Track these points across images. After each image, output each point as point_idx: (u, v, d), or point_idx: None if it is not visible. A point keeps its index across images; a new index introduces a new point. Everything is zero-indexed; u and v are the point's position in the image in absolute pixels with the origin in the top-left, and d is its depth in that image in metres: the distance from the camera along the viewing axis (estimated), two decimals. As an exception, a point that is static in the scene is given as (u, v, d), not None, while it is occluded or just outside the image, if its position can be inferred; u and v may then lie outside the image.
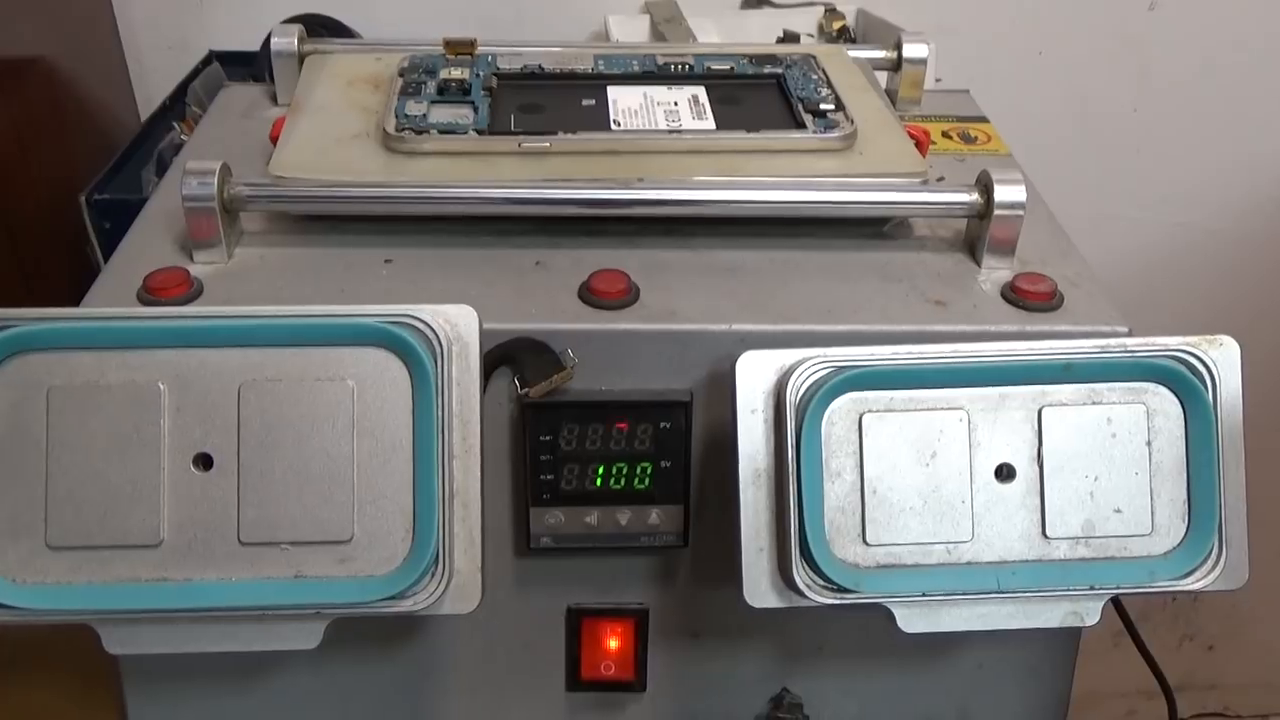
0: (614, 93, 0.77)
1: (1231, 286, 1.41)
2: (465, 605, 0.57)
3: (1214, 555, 0.59)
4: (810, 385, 0.57)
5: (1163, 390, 0.59)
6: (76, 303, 0.63)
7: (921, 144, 0.76)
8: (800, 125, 0.73)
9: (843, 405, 0.58)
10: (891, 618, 0.59)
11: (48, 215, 1.01)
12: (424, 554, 0.56)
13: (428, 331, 0.56)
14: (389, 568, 0.56)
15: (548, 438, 0.63)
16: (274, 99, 0.86)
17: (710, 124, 0.74)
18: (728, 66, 0.81)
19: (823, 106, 0.75)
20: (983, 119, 0.88)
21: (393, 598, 0.56)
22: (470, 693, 0.71)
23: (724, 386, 0.59)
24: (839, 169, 0.71)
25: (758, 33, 1.15)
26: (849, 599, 0.57)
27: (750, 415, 0.58)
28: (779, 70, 0.81)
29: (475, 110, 0.73)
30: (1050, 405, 0.58)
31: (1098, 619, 0.60)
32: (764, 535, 0.58)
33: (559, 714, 0.73)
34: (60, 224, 0.98)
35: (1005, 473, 0.59)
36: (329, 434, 0.56)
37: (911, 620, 0.59)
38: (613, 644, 0.70)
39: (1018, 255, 0.68)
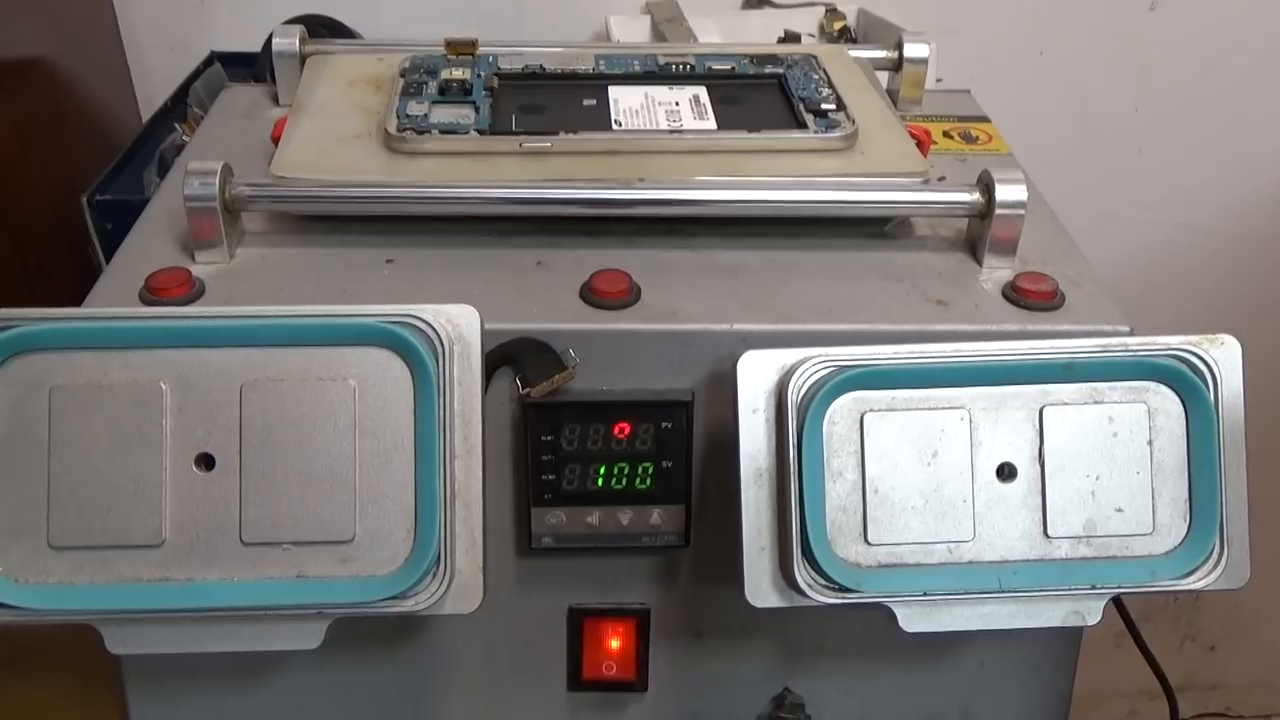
0: (615, 93, 0.77)
1: (1232, 286, 1.41)
2: (467, 605, 0.57)
3: (1215, 554, 0.59)
4: (812, 385, 0.57)
5: (1164, 389, 0.59)
6: (78, 303, 0.63)
7: (923, 144, 0.76)
8: (801, 125, 0.73)
9: (844, 405, 0.58)
10: (893, 617, 0.59)
11: (50, 216, 1.01)
12: (426, 554, 0.56)
13: (429, 331, 0.56)
14: (391, 568, 0.56)
15: (549, 437, 0.64)
16: (275, 99, 0.86)
17: (711, 124, 0.74)
18: (729, 66, 0.81)
19: (824, 106, 0.75)
20: (984, 119, 0.88)
21: (394, 598, 0.56)
22: (472, 693, 0.71)
23: (725, 386, 0.59)
24: (840, 169, 0.71)
25: (759, 33, 1.15)
26: (850, 598, 0.57)
27: (752, 415, 0.58)
28: (780, 70, 0.81)
29: (476, 110, 0.74)
30: (1052, 404, 0.58)
31: (1099, 618, 0.60)
32: (765, 535, 0.58)
33: (560, 714, 0.73)
34: (62, 224, 0.98)
35: (1007, 472, 0.59)
36: (331, 434, 0.56)
37: (913, 620, 0.59)
38: (614, 644, 0.70)
39: (1019, 255, 0.68)
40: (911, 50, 0.87)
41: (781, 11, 1.20)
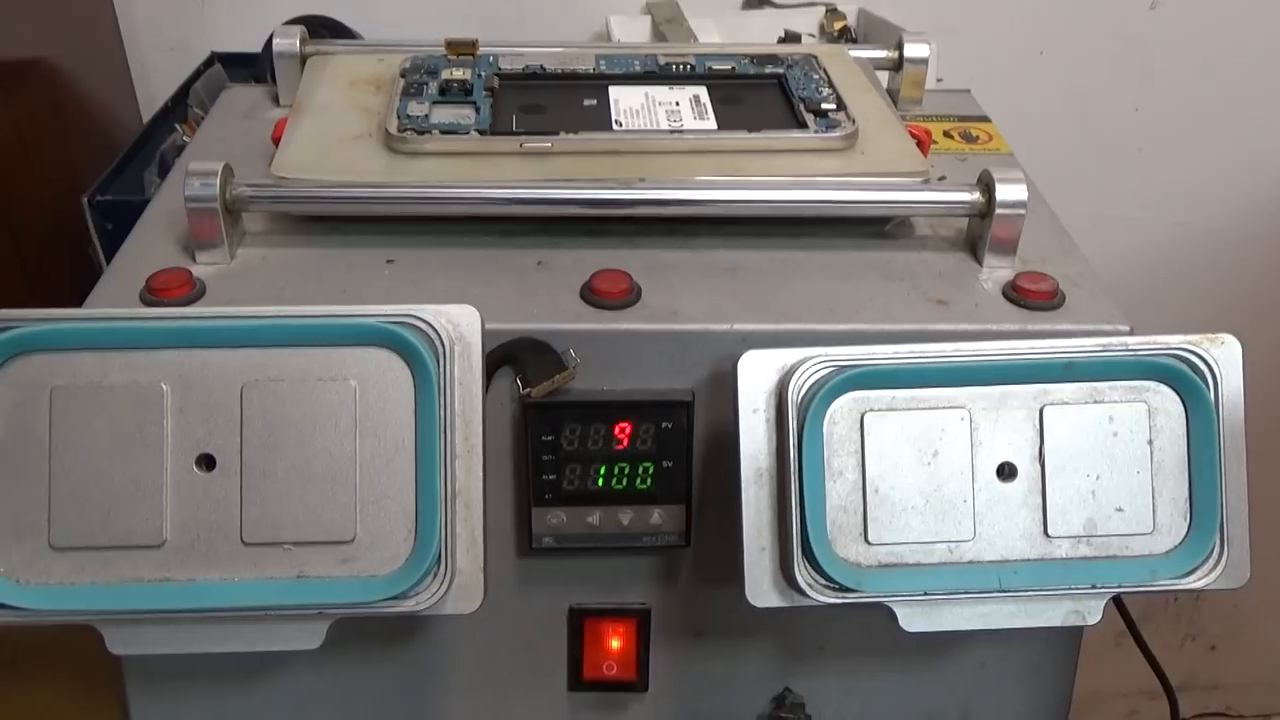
0: (615, 93, 0.77)
1: (1232, 286, 1.41)
2: (467, 605, 0.57)
3: (1215, 554, 0.59)
4: (812, 384, 0.57)
5: (1164, 389, 0.59)
6: (79, 303, 0.63)
7: (923, 143, 0.76)
8: (802, 125, 0.73)
9: (844, 404, 0.58)
10: (893, 617, 0.59)
11: (50, 216, 1.02)
12: (426, 554, 0.56)
13: (430, 331, 0.56)
14: (391, 568, 0.56)
15: (550, 437, 0.64)
16: (276, 100, 0.87)
17: (712, 124, 0.74)
18: (729, 66, 0.82)
19: (824, 106, 0.75)
20: (984, 118, 0.88)
21: (395, 598, 0.56)
22: (472, 693, 0.71)
23: (726, 386, 0.59)
24: (840, 168, 0.71)
25: (759, 33, 1.15)
26: (851, 598, 0.57)
27: (752, 415, 0.58)
28: (780, 70, 0.81)
29: (477, 110, 0.74)
30: (1052, 404, 0.58)
31: (1099, 618, 0.60)
32: (766, 535, 0.58)
33: (561, 714, 0.73)
34: (63, 225, 0.98)
35: (1007, 472, 0.59)
36: (331, 434, 0.56)
37: (913, 619, 0.59)
38: (615, 644, 0.70)
39: (1019, 254, 0.68)
40: (912, 50, 0.87)
41: (782, 11, 1.20)
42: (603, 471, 0.64)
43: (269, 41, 0.86)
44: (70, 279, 1.01)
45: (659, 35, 1.12)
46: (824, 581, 0.57)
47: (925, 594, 0.58)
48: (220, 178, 0.65)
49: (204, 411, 0.56)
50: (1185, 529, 0.59)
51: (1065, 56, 1.27)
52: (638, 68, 0.81)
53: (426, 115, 0.73)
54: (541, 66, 0.81)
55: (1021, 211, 0.66)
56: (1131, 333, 0.63)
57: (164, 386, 0.56)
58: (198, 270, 0.65)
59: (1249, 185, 1.36)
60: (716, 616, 0.70)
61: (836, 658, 0.71)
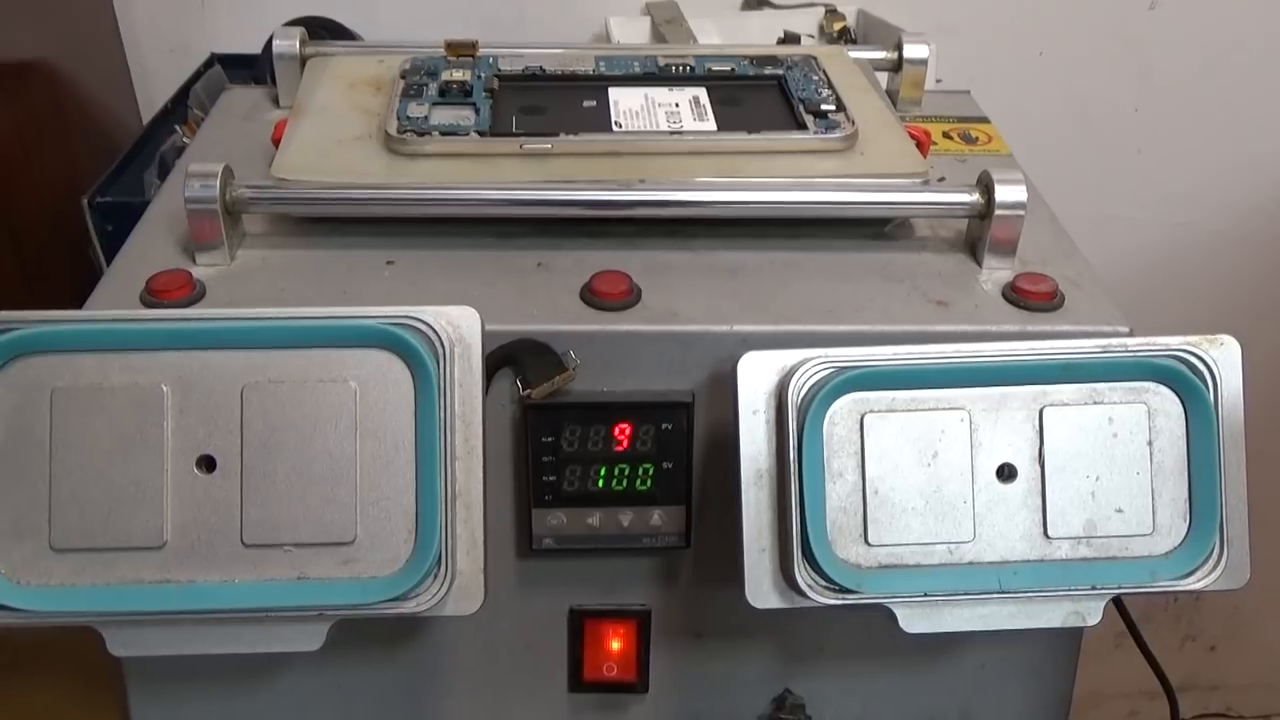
0: (615, 94, 0.78)
1: (1232, 287, 1.41)
2: (468, 606, 0.57)
3: (1215, 555, 0.59)
4: (812, 386, 0.57)
5: (1164, 390, 0.59)
6: (79, 305, 0.63)
7: (922, 144, 0.76)
8: (801, 126, 0.73)
9: (844, 406, 0.58)
10: (893, 618, 0.59)
11: (50, 217, 1.02)
12: (426, 555, 0.56)
13: (430, 333, 0.56)
14: (392, 569, 0.56)
15: (550, 439, 0.64)
16: (276, 101, 0.87)
17: (711, 125, 0.74)
18: (729, 68, 0.82)
19: (824, 107, 0.75)
20: (983, 119, 0.88)
21: (395, 599, 0.56)
22: (473, 694, 0.71)
23: (726, 387, 0.59)
24: (840, 169, 0.71)
25: (758, 34, 1.15)
26: (851, 599, 0.57)
27: (752, 416, 0.58)
28: (780, 71, 0.81)
29: (477, 112, 0.74)
30: (1051, 405, 0.59)
31: (1099, 619, 0.60)
32: (766, 536, 0.58)
33: (561, 715, 0.73)
34: (63, 226, 0.98)
35: (1007, 473, 0.59)
36: (332, 435, 0.56)
37: (913, 620, 0.59)
38: (615, 645, 0.70)
39: (1019, 255, 0.68)
40: (911, 51, 0.87)
41: (781, 12, 1.20)
42: (603, 473, 0.64)
43: (269, 43, 0.87)
44: (70, 280, 1.01)
45: (658, 36, 1.12)
46: (824, 582, 0.57)
47: (925, 595, 0.58)
48: (220, 179, 0.65)
49: (204, 413, 0.56)
50: (1185, 530, 0.59)
51: (1065, 57, 1.27)
52: (637, 69, 0.81)
53: (426, 117, 0.73)
54: (541, 68, 0.81)
55: (1021, 213, 0.66)
56: (1131, 334, 0.63)
57: (164, 388, 0.56)
58: (198, 272, 0.65)
59: (1249, 186, 1.36)
60: (717, 617, 0.70)
61: (837, 659, 0.71)
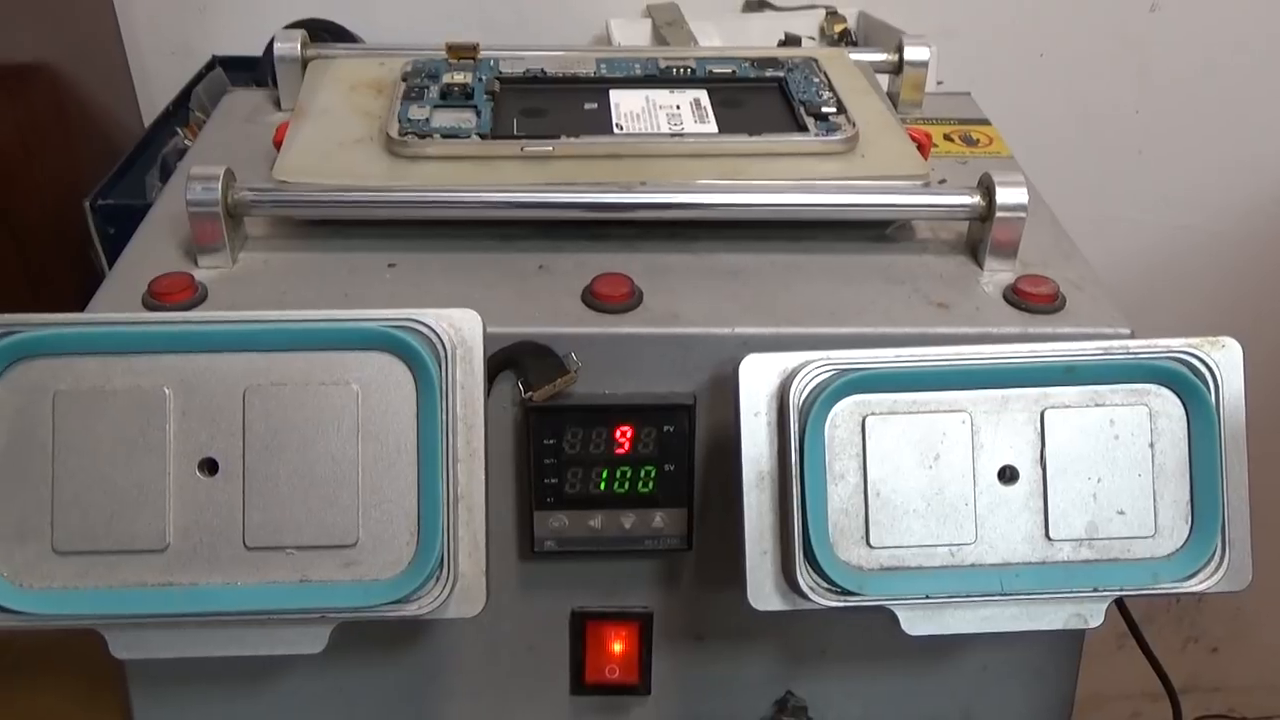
0: (616, 96, 0.78)
1: (1233, 288, 1.41)
2: (470, 609, 0.57)
3: (1217, 557, 0.59)
4: (813, 388, 0.57)
5: (1165, 392, 0.59)
6: (81, 307, 0.63)
7: (923, 146, 0.76)
8: (802, 128, 0.73)
9: (846, 408, 0.58)
10: (895, 620, 0.59)
11: (52, 220, 1.02)
12: (428, 558, 0.56)
13: (432, 335, 0.56)
14: (394, 571, 0.56)
15: (551, 441, 0.64)
16: (277, 104, 0.87)
17: (712, 127, 0.74)
18: (729, 70, 0.82)
19: (824, 109, 0.75)
20: (984, 121, 0.88)
21: (398, 601, 0.56)
22: (474, 696, 0.71)
23: (727, 389, 0.59)
24: (841, 172, 0.71)
25: (759, 36, 1.15)
26: (853, 601, 0.57)
27: (753, 418, 0.58)
28: (781, 73, 0.81)
29: (478, 114, 0.74)
30: (1053, 407, 0.59)
31: (1101, 621, 0.60)
32: (768, 538, 0.58)
33: (563, 717, 0.73)
34: (65, 229, 0.98)
35: (1008, 475, 0.59)
36: (334, 438, 0.56)
37: (915, 623, 0.59)
38: (617, 647, 0.70)
39: (1020, 257, 0.68)
40: (912, 53, 0.87)
41: (782, 14, 1.20)
42: (604, 475, 0.64)
43: (270, 45, 0.87)
44: (72, 283, 1.01)
45: (659, 38, 1.12)
46: (826, 585, 0.57)
47: (927, 597, 0.58)
48: (222, 182, 0.65)
49: (206, 416, 0.56)
50: (1187, 532, 0.59)
51: (1066, 58, 1.27)
52: (638, 71, 0.81)
53: (427, 119, 0.73)
54: (542, 70, 0.81)
55: (1022, 214, 0.66)
56: (1132, 336, 0.63)
57: (166, 391, 0.56)
58: (200, 274, 0.65)
59: (1250, 187, 1.36)
60: (718, 619, 0.70)
61: (838, 661, 0.72)
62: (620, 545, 0.66)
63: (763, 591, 0.58)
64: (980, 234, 0.69)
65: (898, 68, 0.88)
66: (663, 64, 0.82)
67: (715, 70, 0.81)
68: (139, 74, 1.21)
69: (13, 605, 0.55)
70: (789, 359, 0.58)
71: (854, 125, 0.73)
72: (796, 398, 0.57)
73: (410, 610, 0.56)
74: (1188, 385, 0.58)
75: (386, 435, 0.56)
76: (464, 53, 0.82)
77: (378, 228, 0.70)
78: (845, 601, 0.57)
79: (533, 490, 0.65)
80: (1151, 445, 0.59)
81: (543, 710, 0.72)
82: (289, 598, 0.56)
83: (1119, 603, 0.68)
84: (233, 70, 1.10)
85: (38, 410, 0.55)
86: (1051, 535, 0.59)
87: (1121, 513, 0.59)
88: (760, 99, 0.79)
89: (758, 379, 0.58)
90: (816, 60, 0.83)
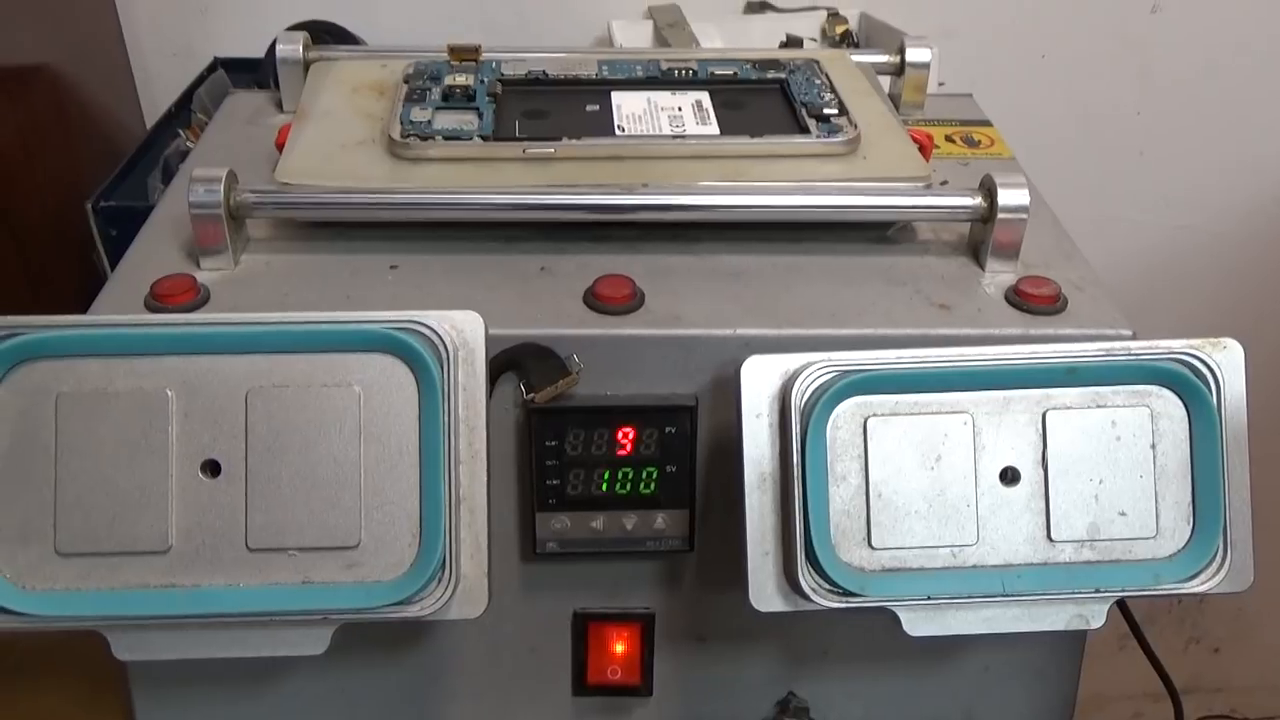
0: (618, 98, 0.78)
1: (1235, 289, 1.41)
2: (472, 610, 0.57)
3: (1219, 557, 0.59)
4: (815, 389, 0.57)
5: (1167, 393, 0.59)
6: (84, 309, 0.63)
7: (925, 148, 0.76)
8: (804, 130, 0.74)
9: (847, 409, 0.58)
10: (897, 621, 0.59)
11: (54, 222, 1.02)
12: (430, 559, 0.56)
13: (434, 337, 0.56)
14: (396, 573, 0.56)
15: (553, 443, 0.64)
16: (279, 106, 0.87)
17: (714, 129, 0.74)
18: (731, 71, 0.82)
19: (826, 111, 0.75)
20: (986, 122, 0.88)
21: (399, 603, 0.56)
22: (476, 697, 0.71)
23: (729, 391, 0.59)
24: (843, 173, 0.71)
25: (760, 37, 1.15)
26: (854, 603, 0.57)
27: (755, 419, 0.58)
28: (782, 75, 0.81)
29: (480, 116, 0.74)
30: (1055, 408, 0.59)
31: (1103, 622, 0.60)
32: (769, 539, 0.58)
33: (565, 719, 0.73)
34: (67, 231, 0.98)
35: (1010, 476, 0.59)
36: (336, 440, 0.56)
37: (917, 624, 0.59)
38: (619, 648, 0.70)
39: (1021, 258, 0.68)
40: (914, 55, 0.87)
41: (783, 16, 1.20)
42: (606, 476, 0.65)
43: (272, 47, 0.87)
44: (74, 285, 1.01)
45: (661, 40, 1.12)
46: (827, 586, 0.57)
47: (929, 598, 0.58)
48: (224, 184, 0.65)
49: (209, 417, 0.56)
50: (1189, 533, 0.59)
51: (1067, 60, 1.27)
52: (640, 73, 0.81)
53: (430, 121, 0.73)
54: (544, 72, 0.81)
55: (1023, 216, 0.66)
56: (1134, 337, 0.63)
57: (169, 393, 0.56)
58: (202, 276, 0.65)
59: (1251, 188, 1.36)
60: (720, 621, 0.70)
61: (840, 662, 0.72)
62: (622, 546, 0.66)
63: (764, 592, 0.58)
64: (982, 235, 0.69)
65: (899, 69, 0.88)
66: (664, 66, 0.82)
67: (717, 72, 0.82)
68: (141, 75, 1.22)
69: (15, 607, 0.55)
70: (791, 360, 0.58)
71: (855, 127, 0.73)
72: (798, 399, 0.57)
73: (412, 612, 0.56)
74: (1189, 386, 0.58)
75: (388, 437, 0.56)
76: (466, 55, 0.82)
77: (380, 229, 0.70)
78: (847, 602, 0.57)
79: (535, 491, 0.65)
80: (1153, 446, 0.59)
81: (544, 711, 0.72)
82: (291, 599, 0.56)
83: (1121, 604, 0.68)
84: (235, 72, 1.10)
85: (40, 412, 0.56)
86: (1053, 536, 0.59)
87: (1123, 514, 0.59)
88: (762, 100, 0.79)
89: (759, 380, 0.58)
90: (818, 62, 0.83)
